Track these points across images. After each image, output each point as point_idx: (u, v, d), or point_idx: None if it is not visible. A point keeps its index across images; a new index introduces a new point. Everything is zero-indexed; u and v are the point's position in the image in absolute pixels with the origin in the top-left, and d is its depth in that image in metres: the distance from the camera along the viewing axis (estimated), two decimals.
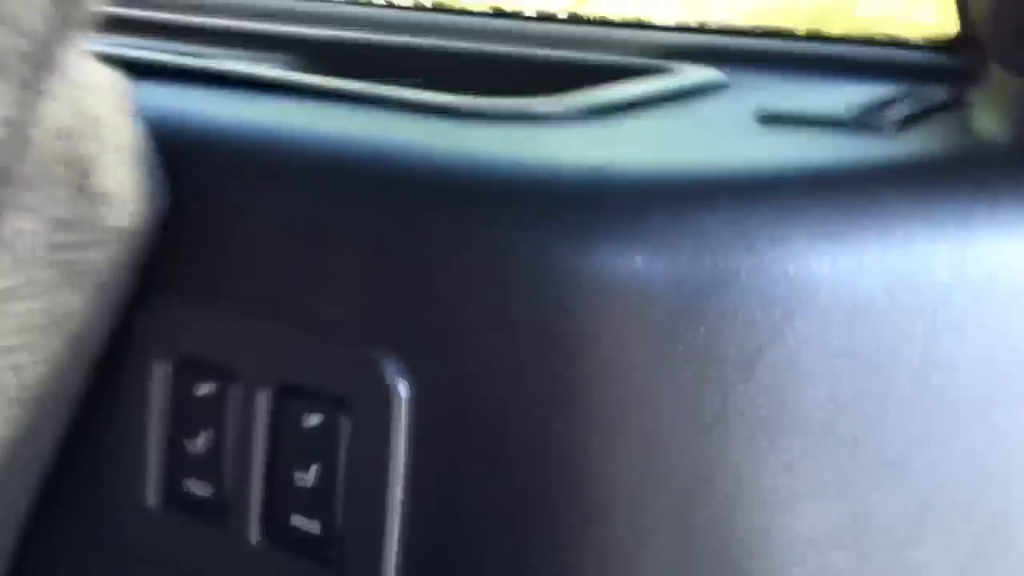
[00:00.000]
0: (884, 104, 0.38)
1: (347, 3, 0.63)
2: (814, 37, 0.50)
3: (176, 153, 0.38)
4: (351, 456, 0.35)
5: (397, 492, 0.34)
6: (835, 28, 0.50)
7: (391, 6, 0.62)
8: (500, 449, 0.33)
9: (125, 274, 0.38)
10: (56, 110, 0.34)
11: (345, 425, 0.35)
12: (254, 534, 0.37)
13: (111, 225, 0.36)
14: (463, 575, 0.34)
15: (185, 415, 0.38)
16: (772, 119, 0.38)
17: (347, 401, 0.35)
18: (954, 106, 0.40)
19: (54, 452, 0.40)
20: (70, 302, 0.36)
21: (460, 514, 0.34)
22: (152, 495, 0.39)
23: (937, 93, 0.40)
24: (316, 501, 0.35)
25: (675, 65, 0.47)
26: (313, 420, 0.35)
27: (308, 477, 0.36)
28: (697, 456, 0.31)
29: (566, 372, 0.32)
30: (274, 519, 0.37)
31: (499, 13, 0.58)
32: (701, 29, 0.53)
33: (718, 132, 0.39)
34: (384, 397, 0.34)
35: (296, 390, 0.36)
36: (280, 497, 0.36)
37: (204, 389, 0.38)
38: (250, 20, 0.59)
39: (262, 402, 0.36)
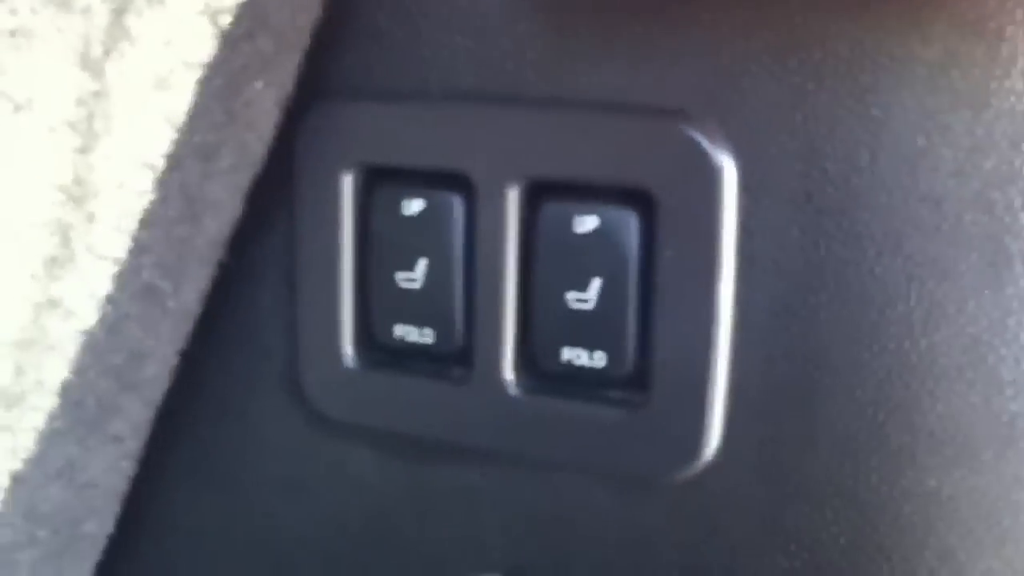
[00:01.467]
0: None
1: None
2: None
3: None
4: (650, 267, 0.26)
5: (724, 311, 0.26)
6: None
7: None
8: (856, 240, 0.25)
9: (289, 56, 0.29)
10: None
11: (632, 226, 0.27)
12: (505, 378, 0.28)
13: None
14: (802, 414, 0.26)
15: (387, 240, 0.30)
16: None
17: (644, 192, 0.26)
18: None
19: (201, 297, 0.31)
20: (229, 86, 0.27)
21: (803, 337, 0.26)
22: (348, 349, 0.31)
23: None
24: (599, 328, 0.27)
25: None
26: (588, 224, 0.27)
27: (586, 297, 0.27)
28: None
29: None
30: (534, 357, 0.28)
31: None
32: None
33: None
34: (706, 182, 0.25)
35: (554, 187, 0.27)
36: (544, 328, 0.28)
37: (413, 207, 0.29)
38: None
39: (507, 208, 0.28)
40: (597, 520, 0.29)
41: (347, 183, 0.29)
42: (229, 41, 0.27)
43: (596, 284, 0.27)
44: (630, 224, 0.26)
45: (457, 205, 0.28)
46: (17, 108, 0.25)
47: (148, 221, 0.28)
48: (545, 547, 0.30)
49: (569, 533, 0.29)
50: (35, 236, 0.27)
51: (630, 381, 0.27)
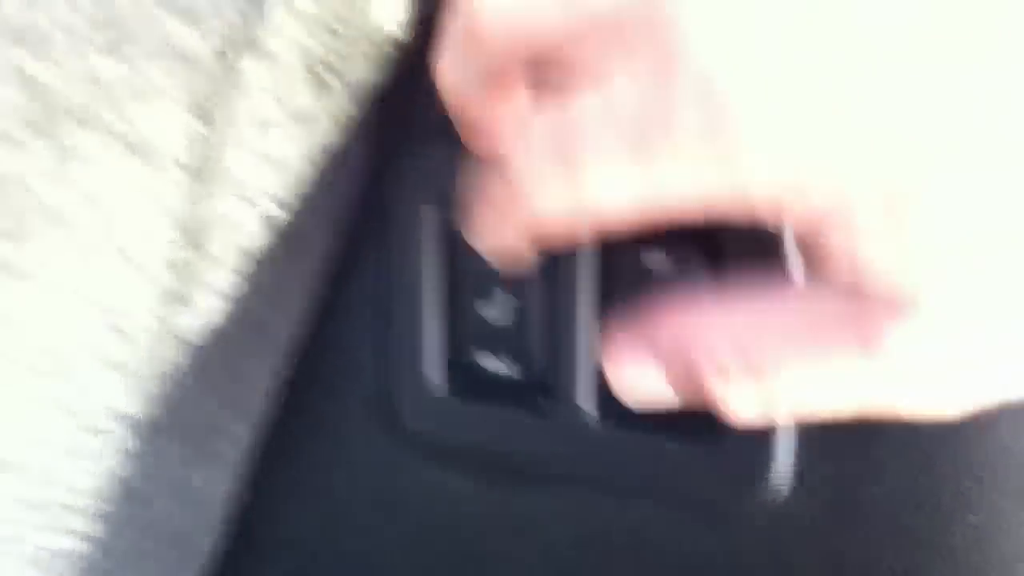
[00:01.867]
0: None
1: None
2: None
3: None
4: None
5: None
6: None
7: None
8: None
9: (380, 104, 0.31)
10: None
11: (698, 264, 0.27)
12: (585, 409, 0.30)
13: (374, 27, 0.29)
14: (864, 451, 0.27)
15: (472, 273, 0.31)
16: None
17: (709, 232, 0.27)
18: None
19: (300, 326, 0.33)
20: (325, 130, 0.29)
21: None
22: (435, 375, 0.32)
23: None
24: None
25: None
26: (656, 260, 0.28)
27: None
28: None
29: None
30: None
31: None
32: None
33: None
34: None
35: None
36: None
37: None
38: None
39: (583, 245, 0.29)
40: (670, 546, 0.30)
41: (432, 220, 0.31)
42: (327, 90, 0.29)
43: None
44: (697, 262, 0.27)
45: None
46: (136, 152, 0.27)
47: (257, 258, 0.30)
48: (620, 569, 0.31)
49: (642, 556, 0.30)
50: (157, 272, 0.29)
51: (705, 414, 0.28)
